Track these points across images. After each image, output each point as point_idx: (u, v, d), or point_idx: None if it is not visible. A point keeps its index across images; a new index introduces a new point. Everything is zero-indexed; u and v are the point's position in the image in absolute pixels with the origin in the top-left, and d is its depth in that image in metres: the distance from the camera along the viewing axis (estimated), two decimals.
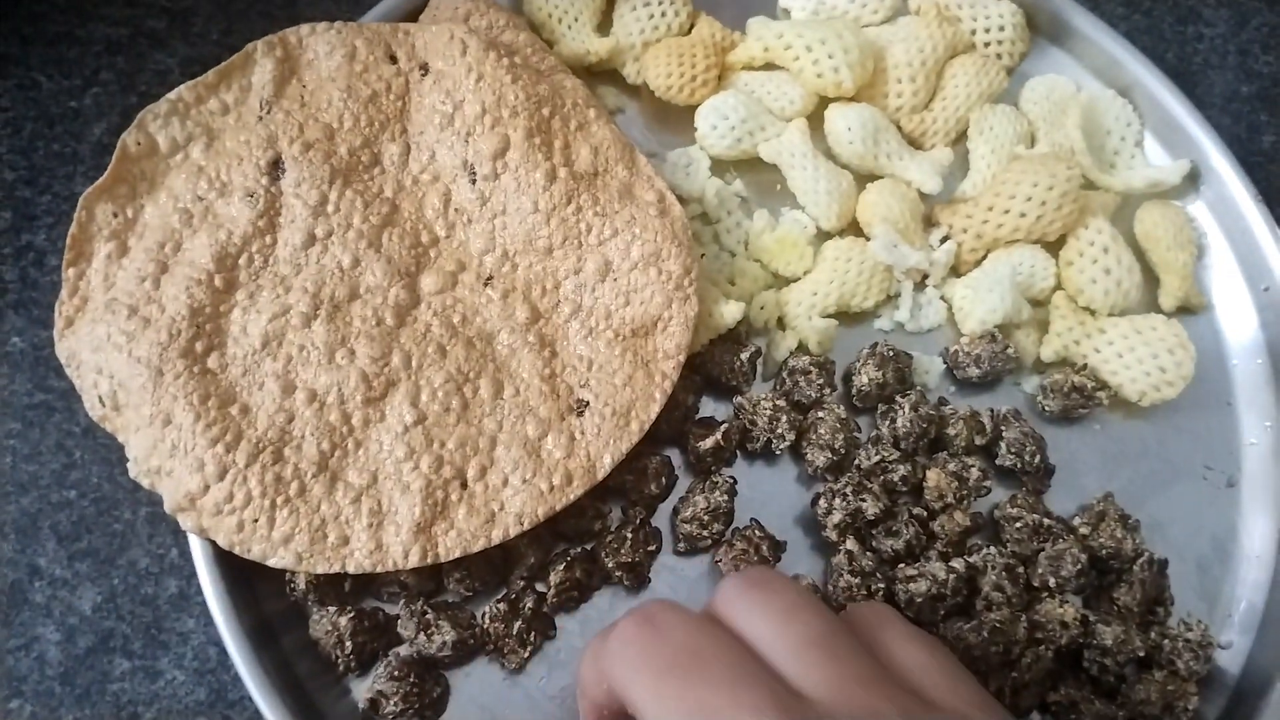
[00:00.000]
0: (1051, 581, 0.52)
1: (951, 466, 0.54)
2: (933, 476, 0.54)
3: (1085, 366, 0.56)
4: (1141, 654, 0.51)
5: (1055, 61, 0.65)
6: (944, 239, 0.59)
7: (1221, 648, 0.53)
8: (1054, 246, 0.59)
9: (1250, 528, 0.56)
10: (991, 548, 0.53)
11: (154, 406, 0.48)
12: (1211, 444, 0.57)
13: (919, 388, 0.57)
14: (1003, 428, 0.55)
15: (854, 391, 0.56)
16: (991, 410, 0.56)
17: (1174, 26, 0.71)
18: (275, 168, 0.52)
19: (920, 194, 0.60)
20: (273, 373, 0.49)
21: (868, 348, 0.56)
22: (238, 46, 0.53)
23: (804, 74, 0.60)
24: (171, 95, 0.53)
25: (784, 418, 0.54)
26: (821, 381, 0.55)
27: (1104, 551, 0.52)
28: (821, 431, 0.54)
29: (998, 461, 0.55)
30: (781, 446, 0.54)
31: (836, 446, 0.53)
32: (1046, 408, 0.57)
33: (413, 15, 0.60)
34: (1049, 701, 0.51)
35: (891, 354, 0.56)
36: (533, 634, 0.51)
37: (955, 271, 0.60)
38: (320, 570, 0.47)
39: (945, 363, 0.57)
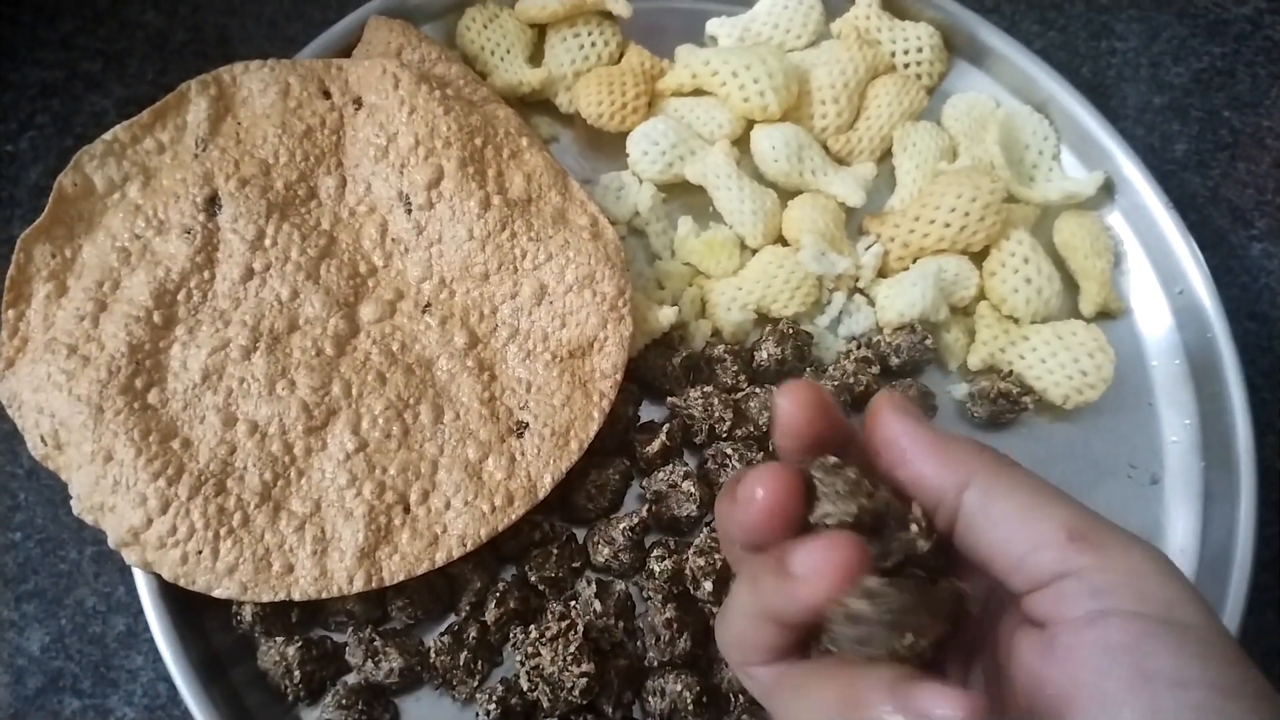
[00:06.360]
0: None
1: None
2: None
3: (1011, 373, 0.58)
4: None
5: (974, 80, 0.67)
6: (871, 245, 0.61)
7: None
8: (977, 260, 0.60)
9: (1174, 524, 0.58)
10: None
11: (95, 443, 0.48)
12: (1134, 443, 0.59)
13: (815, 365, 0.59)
14: None
15: (754, 366, 0.58)
16: None
17: (1088, 42, 0.73)
18: (212, 204, 0.53)
19: (846, 208, 0.61)
20: (213, 406, 0.50)
21: (770, 325, 0.58)
22: (172, 86, 0.54)
23: (731, 99, 0.61)
24: (107, 136, 0.53)
25: (716, 400, 0.55)
26: (736, 369, 0.57)
27: None
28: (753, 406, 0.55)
29: None
30: (724, 428, 0.55)
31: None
32: (975, 413, 0.58)
33: (346, 51, 0.61)
34: None
35: (792, 331, 0.57)
36: (479, 663, 0.51)
37: (882, 277, 0.61)
38: (265, 599, 0.48)
39: (869, 352, 0.58)
